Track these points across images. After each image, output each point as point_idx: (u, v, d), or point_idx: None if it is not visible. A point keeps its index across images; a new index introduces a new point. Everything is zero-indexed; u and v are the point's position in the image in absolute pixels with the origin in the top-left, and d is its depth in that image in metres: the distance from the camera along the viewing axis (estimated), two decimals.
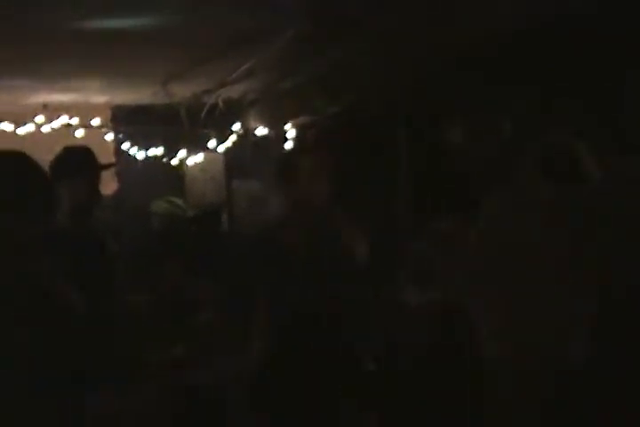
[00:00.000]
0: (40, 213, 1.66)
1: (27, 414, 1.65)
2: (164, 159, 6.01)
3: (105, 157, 4.69)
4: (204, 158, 6.13)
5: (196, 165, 6.18)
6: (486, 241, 2.73)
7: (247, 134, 5.98)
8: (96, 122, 5.80)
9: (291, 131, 5.84)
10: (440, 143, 4.18)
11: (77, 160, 3.04)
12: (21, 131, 5.62)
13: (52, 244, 1.80)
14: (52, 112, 5.66)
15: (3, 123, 5.61)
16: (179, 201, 5.44)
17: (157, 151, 5.96)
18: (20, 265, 1.68)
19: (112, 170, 5.51)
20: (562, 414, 2.44)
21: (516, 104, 3.58)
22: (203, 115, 5.72)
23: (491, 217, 2.74)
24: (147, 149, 5.95)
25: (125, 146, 5.94)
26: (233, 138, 5.98)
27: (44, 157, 2.89)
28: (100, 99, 5.71)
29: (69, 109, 5.70)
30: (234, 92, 5.52)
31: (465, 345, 2.96)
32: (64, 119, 5.68)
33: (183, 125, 5.82)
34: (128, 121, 5.97)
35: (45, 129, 5.64)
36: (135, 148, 5.95)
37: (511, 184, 2.75)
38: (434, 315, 3.46)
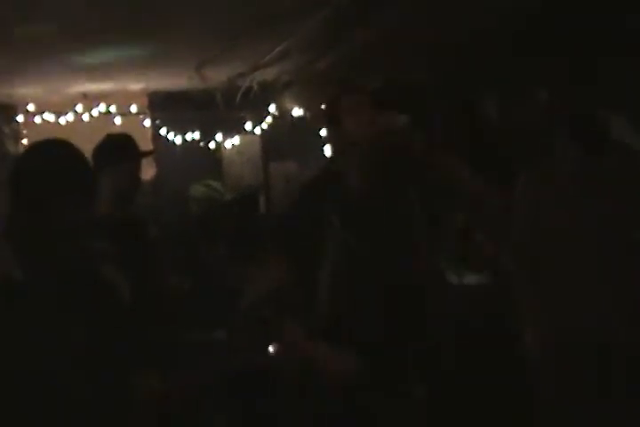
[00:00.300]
0: (84, 200, 1.69)
1: (72, 398, 1.69)
2: (201, 143, 6.05)
3: (143, 142, 4.73)
4: (241, 141, 6.16)
5: (233, 147, 6.20)
6: (519, 214, 2.69)
7: (283, 116, 5.98)
8: (134, 109, 5.87)
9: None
10: (476, 115, 4.14)
11: (119, 147, 3.07)
12: (63, 120, 5.71)
13: (96, 230, 1.83)
14: (91, 101, 5.74)
15: (45, 113, 5.71)
16: (216, 184, 5.47)
17: (194, 135, 6.01)
18: (67, 251, 1.71)
19: (150, 155, 5.58)
20: (604, 399, 2.42)
21: (554, 75, 3.52)
22: (238, 98, 5.73)
23: (523, 190, 2.70)
24: (184, 134, 6.00)
25: (163, 131, 5.99)
26: (269, 120, 5.99)
27: (86, 146, 2.93)
28: (136, 86, 5.76)
29: (107, 97, 5.77)
30: (268, 74, 5.52)
31: (506, 325, 2.95)
32: (103, 107, 5.75)
33: (219, 109, 5.85)
34: (164, 107, 6.02)
35: (85, 117, 5.72)
36: (172, 133, 6.00)
37: (545, 156, 2.71)
38: (476, 294, 3.45)
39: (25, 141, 5.89)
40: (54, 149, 1.74)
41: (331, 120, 2.70)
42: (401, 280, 2.56)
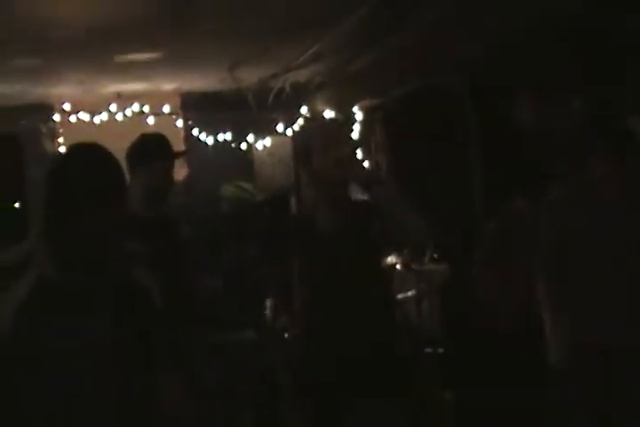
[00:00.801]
0: (116, 202, 1.71)
1: (99, 399, 1.70)
2: (233, 144, 6.08)
3: (175, 143, 4.76)
4: (272, 142, 6.17)
5: (265, 149, 6.22)
6: (551, 225, 2.68)
7: (315, 118, 5.99)
8: (166, 109, 5.91)
9: (358, 113, 5.82)
10: (511, 122, 4.10)
11: (153, 147, 3.09)
12: (97, 119, 5.78)
13: (128, 230, 1.84)
14: (124, 100, 5.79)
15: (80, 112, 5.78)
16: (247, 185, 5.50)
17: (226, 136, 6.03)
18: (99, 252, 1.73)
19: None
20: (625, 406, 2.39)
21: (593, 83, 3.48)
22: (270, 99, 5.75)
23: (557, 201, 2.68)
24: (216, 135, 6.02)
25: (195, 132, 6.03)
26: (300, 121, 6.00)
27: (119, 145, 2.96)
28: (169, 86, 5.81)
29: (141, 97, 5.82)
30: (301, 75, 5.53)
31: (532, 331, 2.93)
32: (136, 107, 5.81)
33: (251, 110, 5.86)
34: (197, 107, 6.05)
35: (119, 117, 5.78)
36: (204, 133, 6.03)
37: (580, 166, 2.68)
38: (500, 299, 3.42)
39: (61, 140, 5.97)
40: (89, 153, 1.77)
41: (304, 162, 2.78)
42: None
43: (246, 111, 5.85)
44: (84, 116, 5.79)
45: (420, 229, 2.74)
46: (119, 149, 3.01)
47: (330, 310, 2.70)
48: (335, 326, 2.68)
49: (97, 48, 4.34)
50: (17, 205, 6.24)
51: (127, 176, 1.81)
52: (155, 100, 5.88)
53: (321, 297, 2.72)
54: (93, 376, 1.69)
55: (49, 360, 1.66)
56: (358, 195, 2.87)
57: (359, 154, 5.84)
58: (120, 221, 1.72)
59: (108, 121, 5.76)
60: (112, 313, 1.73)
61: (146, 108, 5.82)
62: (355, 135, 5.90)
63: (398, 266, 4.09)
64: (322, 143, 2.74)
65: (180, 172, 5.88)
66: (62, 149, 5.97)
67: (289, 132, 6.06)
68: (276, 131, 6.02)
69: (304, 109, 5.95)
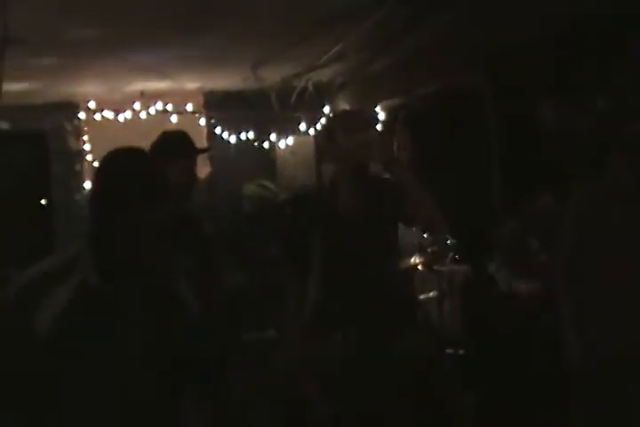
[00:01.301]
0: (163, 202, 1.69)
1: (136, 408, 1.72)
2: (256, 143, 6.10)
3: (198, 141, 4.78)
4: (295, 141, 6.19)
5: (287, 148, 6.24)
6: (574, 226, 2.67)
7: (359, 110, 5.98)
8: (189, 107, 5.95)
9: (381, 113, 5.82)
10: (533, 123, 4.09)
11: (175, 144, 3.08)
12: (121, 117, 5.83)
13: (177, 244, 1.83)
14: (148, 99, 5.84)
15: (105, 110, 5.84)
16: (270, 184, 5.51)
17: (249, 135, 6.06)
18: (147, 259, 1.72)
19: (205, 154, 5.64)
20: None
21: (614, 86, 3.45)
22: (293, 98, 5.76)
23: (579, 202, 2.67)
24: (238, 133, 6.05)
25: (218, 130, 6.06)
26: (323, 121, 6.01)
27: (143, 143, 2.97)
28: (192, 85, 5.84)
29: (164, 96, 5.86)
30: (323, 75, 5.53)
31: (550, 332, 2.91)
32: (159, 106, 5.85)
33: (273, 109, 5.88)
34: (220, 106, 6.09)
35: (143, 115, 5.83)
36: (227, 132, 6.06)
37: (601, 168, 2.68)
38: (524, 299, 3.41)
39: (86, 138, 6.03)
40: (134, 154, 1.75)
41: (328, 136, 2.80)
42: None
43: (269, 110, 5.87)
44: (109, 114, 5.84)
45: (438, 224, 2.74)
46: (143, 147, 3.03)
47: (344, 288, 2.71)
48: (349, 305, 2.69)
49: (120, 47, 4.37)
50: (43, 201, 6.30)
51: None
52: (178, 98, 5.92)
53: (337, 276, 2.73)
54: (131, 383, 1.70)
55: (87, 366, 1.66)
56: (380, 174, 2.87)
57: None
58: (166, 224, 1.70)
59: (131, 119, 5.82)
60: (151, 324, 1.73)
61: (169, 107, 5.87)
62: None
63: (420, 267, 4.08)
64: (347, 124, 2.76)
65: (203, 170, 5.92)
66: (88, 147, 6.03)
67: (311, 131, 6.07)
68: (299, 130, 6.04)
69: (326, 109, 5.96)
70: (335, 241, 2.74)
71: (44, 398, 1.68)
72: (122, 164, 1.72)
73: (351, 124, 2.76)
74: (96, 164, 5.72)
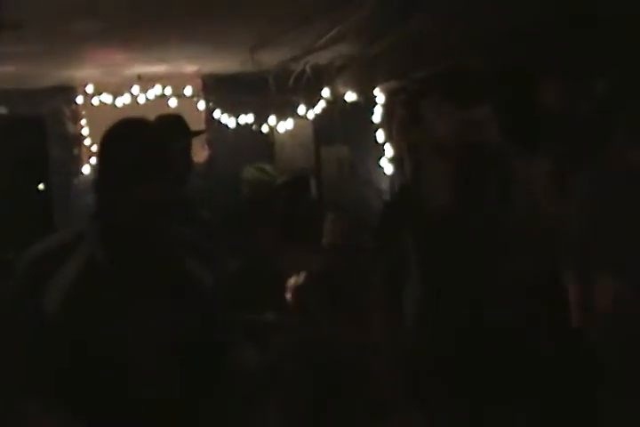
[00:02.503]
0: (164, 178, 1.68)
1: (148, 383, 1.69)
2: (254, 126, 6.09)
3: (197, 125, 4.78)
4: (294, 125, 6.17)
5: (286, 131, 6.22)
6: (582, 210, 2.65)
7: (336, 100, 5.97)
8: (188, 91, 5.93)
9: (380, 96, 5.80)
10: (534, 103, 4.07)
11: (170, 127, 3.08)
12: (119, 102, 5.80)
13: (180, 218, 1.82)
14: (146, 83, 5.81)
15: (103, 94, 5.82)
16: (268, 167, 5.50)
17: (247, 119, 6.04)
18: (153, 237, 1.71)
19: (204, 138, 5.63)
20: None
21: (616, 68, 3.43)
22: (291, 82, 5.74)
23: (585, 185, 2.66)
24: (237, 117, 6.04)
25: (216, 114, 6.04)
26: (322, 104, 5.99)
27: None
28: (190, 68, 5.81)
29: (162, 80, 5.84)
30: (321, 58, 5.50)
31: (559, 314, 2.91)
32: (158, 89, 5.82)
33: (272, 93, 5.86)
34: (218, 89, 6.06)
35: (141, 99, 5.80)
36: (226, 115, 6.04)
37: (605, 149, 2.66)
38: (528, 283, 3.40)
39: (83, 122, 6.02)
40: (136, 128, 1.73)
41: (411, 119, 2.72)
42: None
43: (267, 94, 5.85)
44: (107, 98, 5.82)
45: None
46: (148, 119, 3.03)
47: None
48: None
49: (117, 30, 4.35)
50: (41, 186, 6.30)
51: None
52: (176, 82, 5.90)
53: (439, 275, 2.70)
54: (140, 360, 1.67)
55: (97, 343, 1.64)
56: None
57: (380, 137, 5.83)
58: (168, 201, 1.69)
59: (130, 103, 5.80)
60: (162, 298, 1.70)
61: (167, 91, 5.84)
62: (376, 118, 5.88)
63: None
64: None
65: (202, 153, 5.92)
66: (86, 131, 6.01)
67: (310, 114, 6.05)
68: (297, 113, 6.01)
69: (325, 92, 5.94)
70: (430, 240, 2.69)
71: (54, 378, 1.66)
72: (126, 137, 1.69)
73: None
74: (94, 148, 5.71)
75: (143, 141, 1.67)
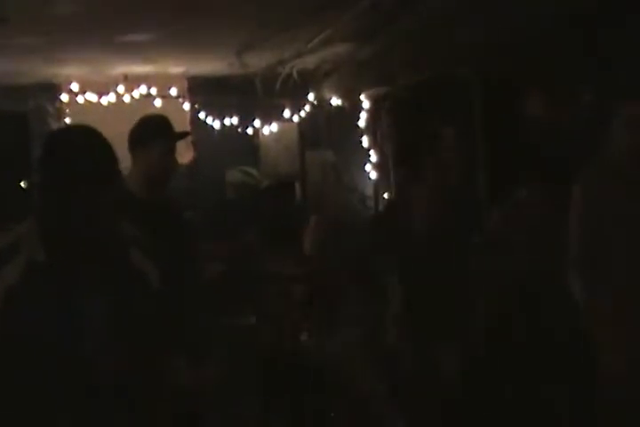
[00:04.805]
0: (108, 186, 1.70)
1: (94, 382, 1.70)
2: (239, 129, 6.07)
3: (182, 126, 4.76)
4: (279, 128, 6.16)
5: (271, 134, 6.22)
6: (582, 213, 2.64)
7: (321, 105, 5.97)
8: (173, 92, 5.90)
9: (365, 102, 5.81)
10: (518, 113, 4.09)
11: (153, 128, 3.04)
12: (104, 100, 5.77)
13: (127, 213, 1.83)
14: (131, 82, 5.79)
15: (87, 93, 5.78)
16: (252, 171, 5.49)
17: (232, 121, 6.03)
18: (93, 234, 1.72)
19: (189, 139, 5.61)
20: None
21: (598, 75, 3.46)
22: (277, 85, 5.73)
23: (582, 190, 2.65)
24: (222, 119, 6.02)
25: (201, 115, 6.02)
26: (307, 108, 5.99)
27: (126, 127, 2.95)
28: (176, 69, 5.79)
29: (148, 80, 5.81)
30: (308, 62, 5.51)
31: (537, 317, 2.93)
32: (143, 89, 5.80)
33: (258, 96, 5.85)
34: (204, 91, 6.04)
35: (126, 99, 5.77)
36: (211, 117, 6.03)
37: (598, 156, 2.67)
38: (505, 285, 3.42)
39: (67, 120, 5.97)
40: (78, 135, 1.76)
41: (409, 162, 2.83)
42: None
43: (253, 96, 5.84)
44: (92, 96, 5.79)
45: None
46: (125, 131, 3.01)
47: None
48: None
49: (104, 29, 4.33)
50: (23, 184, 6.24)
51: (119, 159, 1.77)
52: (161, 82, 5.87)
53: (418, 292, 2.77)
54: (85, 360, 1.68)
55: (41, 345, 1.65)
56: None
57: (365, 142, 5.84)
58: (110, 204, 1.71)
59: (115, 103, 5.76)
60: (106, 297, 1.72)
61: (153, 91, 5.82)
62: (361, 123, 5.89)
63: None
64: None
65: (187, 155, 5.89)
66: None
67: (295, 118, 6.05)
68: (283, 117, 6.01)
69: (311, 96, 5.94)
70: (412, 258, 2.77)
71: (2, 381, 1.66)
72: (65, 145, 1.72)
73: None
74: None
75: (84, 146, 1.70)
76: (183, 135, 3.15)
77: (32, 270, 1.67)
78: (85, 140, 1.73)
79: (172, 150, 3.00)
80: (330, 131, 6.04)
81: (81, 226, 1.70)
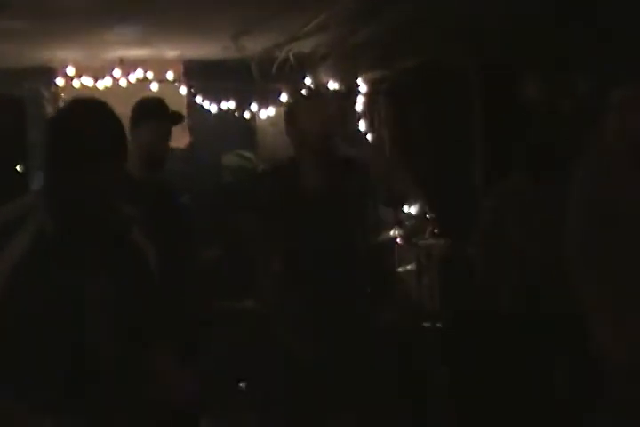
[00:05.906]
0: (117, 163, 1.70)
1: (90, 356, 1.71)
2: (236, 113, 6.06)
3: (179, 110, 4.73)
4: (275, 112, 6.14)
5: (267, 118, 6.20)
6: (575, 203, 2.63)
7: (318, 88, 5.95)
8: (170, 76, 5.88)
9: (362, 85, 5.79)
10: (515, 100, 4.09)
11: (149, 108, 3.07)
12: (100, 84, 5.74)
13: (127, 192, 1.83)
14: (127, 66, 5.76)
15: (83, 77, 5.75)
16: (249, 154, 5.48)
17: (229, 105, 6.01)
18: (96, 211, 1.73)
19: (185, 123, 5.59)
20: None
21: (596, 62, 3.45)
22: (274, 69, 5.71)
23: (579, 178, 2.64)
24: (219, 103, 6.00)
25: (198, 99, 6.00)
26: (304, 92, 5.96)
27: (122, 110, 2.92)
28: (172, 53, 5.77)
29: (144, 64, 5.78)
30: (305, 46, 5.48)
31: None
32: (139, 73, 5.77)
33: (254, 79, 5.83)
34: (200, 75, 6.02)
35: (122, 83, 5.75)
36: (207, 101, 6.01)
37: (595, 143, 2.65)
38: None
39: (63, 104, 5.95)
40: (89, 107, 1.74)
41: (289, 120, 2.88)
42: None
43: (249, 80, 5.82)
44: (88, 80, 5.76)
45: (415, 196, 2.83)
46: (122, 114, 2.99)
47: (313, 264, 2.76)
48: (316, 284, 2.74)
49: (98, 13, 4.30)
50: (18, 168, 6.23)
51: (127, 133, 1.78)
52: (158, 66, 5.85)
53: (305, 253, 2.78)
54: (90, 333, 1.70)
55: (46, 317, 1.66)
56: (346, 152, 2.96)
57: (362, 126, 5.83)
58: (119, 178, 1.71)
59: (111, 87, 5.74)
60: (108, 272, 1.73)
61: (149, 75, 5.79)
62: (358, 107, 5.88)
63: (399, 240, 4.10)
64: (308, 105, 2.84)
65: (183, 139, 5.88)
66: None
67: None
68: (280, 101, 5.99)
69: (307, 80, 5.92)
70: (298, 221, 2.79)
71: (2, 355, 1.67)
72: (77, 117, 1.71)
73: (309, 104, 2.83)
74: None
75: (96, 118, 1.69)
76: (178, 116, 3.16)
77: (40, 242, 1.67)
78: (95, 112, 1.71)
79: (168, 132, 3.04)
80: None
81: (93, 200, 1.70)
